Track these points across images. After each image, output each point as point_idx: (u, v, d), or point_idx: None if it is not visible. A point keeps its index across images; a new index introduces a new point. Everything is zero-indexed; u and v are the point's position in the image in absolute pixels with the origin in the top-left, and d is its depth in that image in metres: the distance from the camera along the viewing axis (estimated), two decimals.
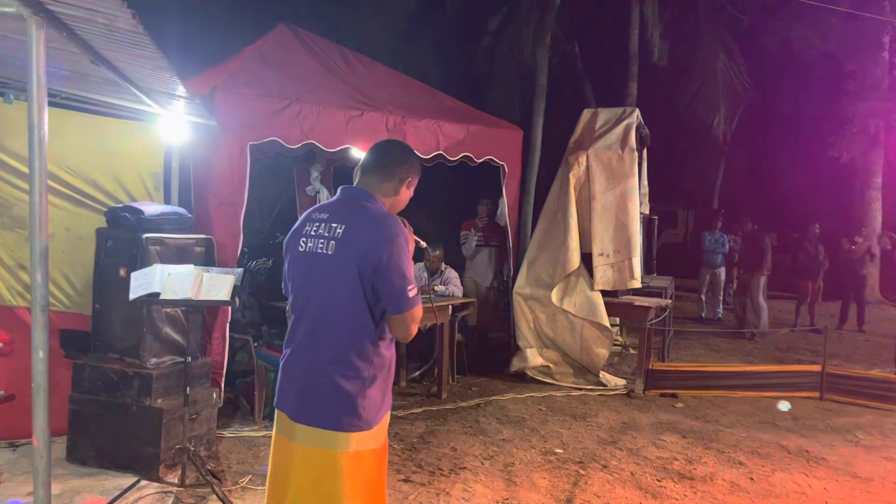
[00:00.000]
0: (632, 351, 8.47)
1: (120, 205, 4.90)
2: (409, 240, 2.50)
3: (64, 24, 2.50)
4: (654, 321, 7.24)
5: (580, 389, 7.01)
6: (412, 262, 2.43)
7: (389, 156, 2.52)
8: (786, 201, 18.88)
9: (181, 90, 3.96)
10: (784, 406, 6.40)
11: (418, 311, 2.37)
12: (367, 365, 2.36)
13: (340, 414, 2.34)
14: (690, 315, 12.37)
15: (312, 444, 2.37)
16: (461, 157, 7.09)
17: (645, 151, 8.24)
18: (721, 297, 12.30)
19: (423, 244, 2.72)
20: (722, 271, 12.07)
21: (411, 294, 2.33)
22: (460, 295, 7.16)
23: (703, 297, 12.22)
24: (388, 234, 2.33)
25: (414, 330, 2.39)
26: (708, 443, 5.55)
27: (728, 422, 6.13)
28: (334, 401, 2.34)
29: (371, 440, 2.41)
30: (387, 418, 2.53)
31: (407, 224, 2.52)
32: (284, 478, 2.43)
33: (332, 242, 2.35)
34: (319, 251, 2.37)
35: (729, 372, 7.41)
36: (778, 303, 13.76)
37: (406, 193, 2.55)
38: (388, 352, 2.45)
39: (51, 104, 4.71)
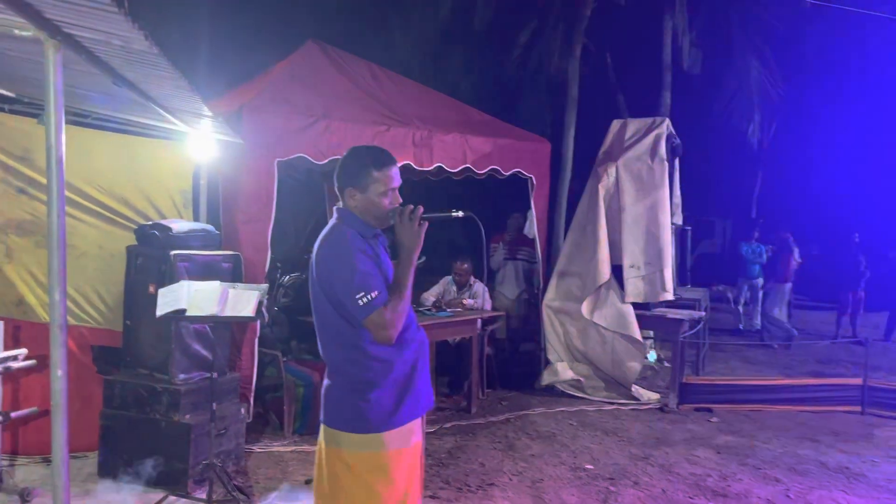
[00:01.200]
0: (665, 364, 8.33)
1: (149, 222, 4.98)
2: (414, 234, 2.48)
3: (83, 46, 2.54)
4: (687, 334, 7.12)
5: (612, 403, 6.91)
6: (363, 268, 2.39)
7: (337, 173, 2.56)
8: (827, 210, 18.46)
9: (205, 109, 4.01)
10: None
11: (377, 317, 2.36)
12: (361, 370, 2.46)
13: (347, 415, 2.49)
14: (727, 327, 12.14)
15: (327, 443, 2.55)
16: (489, 171, 7.08)
17: (677, 161, 8.13)
18: (759, 309, 12.06)
19: (459, 213, 2.61)
20: (760, 282, 11.84)
21: (362, 302, 2.35)
22: (489, 308, 7.12)
23: (741, 309, 11.99)
24: (329, 251, 2.47)
25: (385, 335, 2.39)
26: (743, 458, 5.42)
27: (765, 437, 5.99)
28: (341, 403, 2.51)
29: (381, 443, 2.46)
30: (407, 427, 2.54)
31: (406, 212, 2.47)
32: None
33: (311, 264, 2.54)
34: (311, 274, 2.55)
35: (766, 385, 7.24)
36: (818, 314, 13.47)
37: (364, 198, 2.50)
38: (391, 356, 2.48)
39: (82, 124, 4.87)
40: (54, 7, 2.11)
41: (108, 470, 4.57)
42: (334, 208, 2.60)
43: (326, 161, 5.83)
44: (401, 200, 2.56)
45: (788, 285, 10.77)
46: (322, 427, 2.58)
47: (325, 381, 2.59)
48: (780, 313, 10.75)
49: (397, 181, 2.54)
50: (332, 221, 2.56)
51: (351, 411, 2.47)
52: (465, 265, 7.17)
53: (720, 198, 20.19)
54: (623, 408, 6.80)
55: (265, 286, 4.50)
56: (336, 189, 2.56)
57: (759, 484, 4.90)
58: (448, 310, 6.70)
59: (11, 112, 4.76)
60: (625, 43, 14.15)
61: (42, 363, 4.73)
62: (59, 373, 2.33)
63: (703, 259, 17.73)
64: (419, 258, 2.59)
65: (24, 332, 4.82)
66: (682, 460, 5.35)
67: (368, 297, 2.35)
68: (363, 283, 2.36)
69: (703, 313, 7.90)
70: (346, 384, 2.50)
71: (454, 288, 7.23)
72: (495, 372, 7.44)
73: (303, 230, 11.61)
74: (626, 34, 13.89)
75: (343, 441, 2.49)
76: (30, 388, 4.83)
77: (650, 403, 6.93)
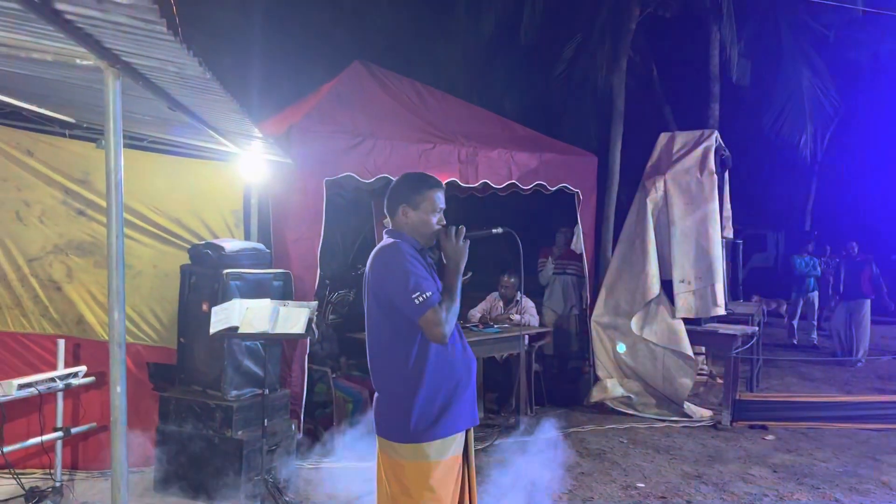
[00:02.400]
0: (718, 380, 8.16)
1: (202, 242, 5.10)
2: (459, 249, 2.67)
3: (140, 73, 2.64)
4: (740, 349, 6.96)
5: (663, 421, 6.79)
6: (417, 272, 2.55)
7: (387, 198, 2.79)
8: (885, 222, 17.90)
9: (255, 131, 4.10)
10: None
11: (431, 314, 2.51)
12: (404, 381, 2.61)
13: (391, 425, 2.66)
14: (782, 342, 11.85)
15: (381, 451, 2.73)
16: (534, 186, 7.07)
17: (727, 174, 8.01)
18: (816, 323, 11.74)
19: (498, 230, 2.83)
20: (815, 296, 11.52)
21: (417, 301, 2.51)
22: (536, 324, 7.08)
23: (795, 324, 11.68)
24: (384, 263, 2.65)
25: (439, 332, 2.52)
26: (801, 478, 5.27)
27: (823, 456, 5.81)
28: (387, 413, 2.68)
29: (419, 453, 2.59)
30: (449, 440, 2.65)
31: (451, 231, 2.68)
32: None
33: (365, 280, 2.73)
34: (365, 289, 2.74)
35: (824, 402, 7.04)
36: (879, 328, 13.05)
37: (416, 215, 2.72)
38: (430, 366, 2.61)
39: (137, 147, 5.03)
40: (114, 37, 2.19)
41: (164, 484, 4.67)
42: (384, 231, 2.80)
43: (373, 179, 5.90)
44: (444, 222, 2.77)
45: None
46: (377, 438, 2.74)
47: (376, 394, 2.75)
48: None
49: (443, 204, 2.79)
50: (384, 240, 2.74)
51: (395, 421, 2.63)
52: (512, 280, 7.16)
53: (772, 210, 19.76)
54: (675, 425, 6.68)
55: (315, 303, 4.56)
56: (387, 209, 2.78)
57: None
58: (495, 326, 6.69)
59: (72, 137, 4.94)
60: (671, 55, 14.01)
61: (101, 380, 4.87)
62: (118, 389, 2.40)
63: (755, 273, 17.37)
64: (465, 274, 2.68)
65: (83, 349, 4.97)
66: (736, 479, 5.23)
67: (424, 296, 2.51)
68: (418, 285, 2.53)
69: (756, 328, 7.73)
70: (392, 395, 2.66)
71: (501, 303, 7.22)
72: (543, 388, 7.38)
73: (350, 247, 11.77)
74: (672, 46, 13.77)
75: (391, 450, 2.66)
76: (89, 405, 4.97)
77: (703, 420, 6.79)
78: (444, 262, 2.72)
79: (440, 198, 2.76)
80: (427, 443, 2.60)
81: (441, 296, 2.58)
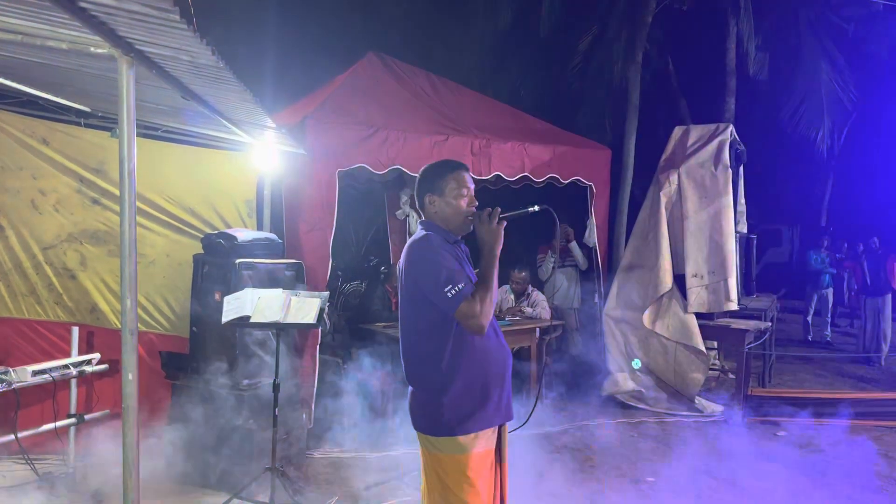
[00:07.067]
0: (730, 375, 8.12)
1: (215, 231, 5.13)
2: (493, 231, 2.59)
3: (154, 62, 2.64)
4: (753, 344, 6.92)
5: (674, 415, 6.77)
6: (449, 265, 2.51)
7: (416, 189, 2.77)
8: None
9: (268, 121, 4.11)
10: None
11: (466, 307, 2.47)
12: (439, 375, 2.57)
13: (423, 417, 2.65)
14: (796, 338, 11.77)
15: (421, 445, 2.71)
16: (547, 179, 7.04)
17: (741, 168, 7.95)
18: (830, 320, 11.65)
19: (535, 208, 2.73)
20: (830, 292, 11.44)
21: (450, 294, 2.47)
22: (548, 317, 7.07)
23: (809, 320, 11.60)
24: (415, 257, 2.60)
25: (475, 324, 2.49)
26: (812, 474, 5.24)
27: (835, 453, 5.76)
28: (419, 405, 2.67)
29: (455, 446, 2.57)
30: (483, 434, 2.61)
31: (484, 214, 2.61)
32: None
33: (399, 274, 2.72)
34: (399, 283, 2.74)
35: (837, 399, 6.99)
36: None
37: (442, 201, 2.66)
38: (465, 360, 2.56)
39: (151, 137, 5.05)
40: (128, 25, 2.20)
41: (175, 472, 4.70)
42: (418, 222, 2.77)
43: (386, 171, 5.91)
44: (477, 203, 2.69)
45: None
46: (417, 432, 2.73)
47: (410, 388, 2.73)
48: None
49: (471, 184, 2.71)
50: (416, 234, 2.71)
51: (431, 414, 2.61)
52: (523, 274, 7.15)
53: (788, 205, 19.63)
54: (686, 420, 6.66)
55: (326, 294, 4.57)
56: (418, 204, 2.75)
57: (829, 500, 4.73)
58: (506, 318, 6.68)
59: (87, 126, 4.98)
60: (687, 48, 13.91)
61: (114, 367, 4.92)
62: (129, 376, 2.42)
63: (770, 268, 17.26)
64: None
65: (97, 337, 5.02)
66: (747, 474, 5.20)
67: (456, 288, 2.47)
68: (450, 277, 2.49)
69: (769, 324, 7.68)
70: (427, 389, 2.63)
71: (512, 297, 7.21)
72: (553, 381, 7.38)
73: (363, 239, 11.79)
74: (688, 39, 13.66)
75: (428, 443, 2.65)
76: (102, 392, 5.03)
77: (714, 415, 6.77)
78: (479, 245, 2.63)
79: (465, 178, 2.68)
80: (463, 436, 2.56)
81: (475, 285, 2.54)
